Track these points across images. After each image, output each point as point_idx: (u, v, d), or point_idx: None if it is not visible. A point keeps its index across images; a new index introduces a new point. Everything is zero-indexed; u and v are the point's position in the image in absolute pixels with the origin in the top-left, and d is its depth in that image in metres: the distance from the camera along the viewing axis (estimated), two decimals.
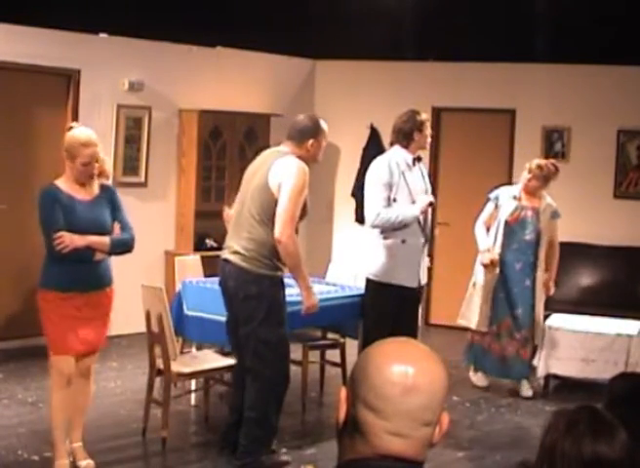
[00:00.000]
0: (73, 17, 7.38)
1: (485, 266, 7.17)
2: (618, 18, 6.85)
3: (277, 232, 5.11)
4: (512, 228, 7.14)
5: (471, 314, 7.28)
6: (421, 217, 5.99)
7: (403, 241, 5.94)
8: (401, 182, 5.94)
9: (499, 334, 7.21)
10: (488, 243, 7.20)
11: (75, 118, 8.23)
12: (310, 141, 5.31)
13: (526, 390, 7.25)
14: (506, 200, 7.18)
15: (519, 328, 7.16)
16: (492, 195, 7.32)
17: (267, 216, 5.18)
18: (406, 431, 1.69)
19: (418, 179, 6.08)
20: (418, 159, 6.13)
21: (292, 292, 5.57)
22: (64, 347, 5.03)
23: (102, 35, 8.26)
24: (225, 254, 5.36)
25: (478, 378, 7.48)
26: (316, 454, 5.75)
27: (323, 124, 5.39)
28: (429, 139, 6.14)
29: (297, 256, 5.20)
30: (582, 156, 8.97)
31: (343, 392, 1.77)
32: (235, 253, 5.28)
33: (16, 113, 7.93)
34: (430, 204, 5.98)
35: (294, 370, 6.98)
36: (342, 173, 10.17)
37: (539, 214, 7.14)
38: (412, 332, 6.00)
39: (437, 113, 9.58)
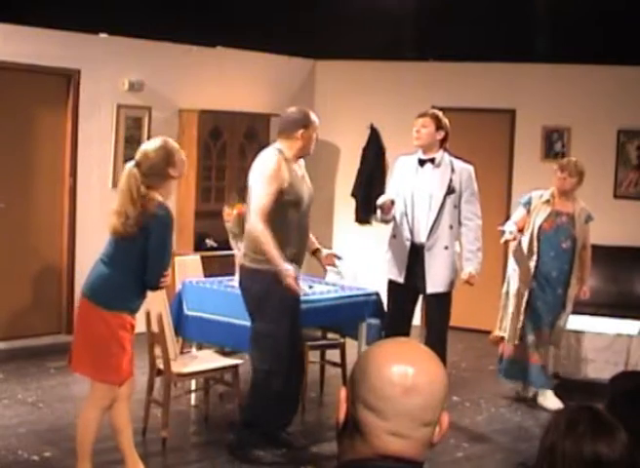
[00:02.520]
0: (73, 17, 7.37)
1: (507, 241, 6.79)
2: (617, 17, 6.84)
3: (248, 220, 5.42)
4: (547, 235, 6.77)
5: (506, 325, 6.91)
6: (409, 217, 6.12)
7: (394, 236, 6.25)
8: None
9: (537, 345, 6.82)
10: (514, 228, 6.72)
11: (75, 118, 8.24)
12: (300, 132, 5.40)
13: (550, 400, 6.87)
14: (539, 205, 6.80)
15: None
16: (523, 200, 6.95)
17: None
18: (406, 431, 1.69)
19: (421, 181, 6.20)
20: (431, 161, 6.22)
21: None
22: (126, 375, 4.87)
23: (102, 35, 8.26)
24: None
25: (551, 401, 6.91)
26: (316, 454, 5.75)
27: (313, 115, 5.48)
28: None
29: (262, 242, 5.27)
30: (582, 156, 8.91)
31: (343, 392, 1.77)
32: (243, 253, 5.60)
33: (16, 113, 7.93)
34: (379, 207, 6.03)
35: None
36: (342, 173, 10.17)
37: (574, 219, 6.81)
38: (431, 333, 6.27)
39: None
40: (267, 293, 5.38)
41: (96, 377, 4.86)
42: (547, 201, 6.80)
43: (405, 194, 6.14)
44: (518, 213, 6.95)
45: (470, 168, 6.31)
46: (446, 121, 6.23)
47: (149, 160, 4.76)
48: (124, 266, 4.74)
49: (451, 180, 6.17)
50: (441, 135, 6.17)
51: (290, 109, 5.59)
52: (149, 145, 4.88)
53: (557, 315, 6.88)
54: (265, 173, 5.32)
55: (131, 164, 4.81)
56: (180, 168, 4.84)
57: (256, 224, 5.27)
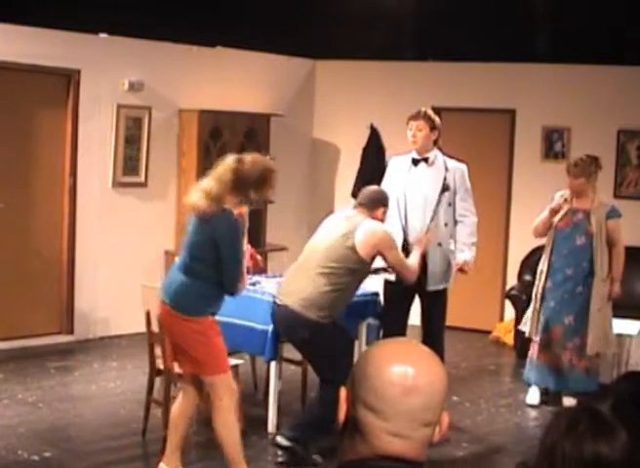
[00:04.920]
0: (73, 17, 7.37)
1: (555, 211, 6.69)
2: (618, 17, 6.85)
3: (405, 278, 5.70)
4: (563, 233, 6.72)
5: (526, 321, 6.92)
6: (402, 216, 6.14)
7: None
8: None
9: (548, 344, 6.75)
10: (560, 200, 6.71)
11: (75, 118, 8.24)
12: (381, 209, 5.64)
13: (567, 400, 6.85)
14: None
15: (571, 336, 6.70)
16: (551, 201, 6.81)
17: (336, 271, 5.44)
18: (406, 432, 1.69)
19: (415, 180, 6.24)
20: (425, 160, 6.27)
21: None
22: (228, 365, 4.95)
23: (102, 35, 8.26)
24: (281, 298, 5.56)
25: (529, 396, 7.00)
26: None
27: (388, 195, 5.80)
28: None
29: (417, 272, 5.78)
30: None
31: (344, 392, 1.77)
32: (294, 299, 5.46)
33: (16, 113, 7.93)
34: None
35: (293, 369, 7.00)
36: (342, 173, 10.17)
37: (589, 215, 6.68)
38: (428, 332, 6.30)
39: (437, 113, 9.56)
40: (327, 337, 5.50)
41: (206, 373, 4.86)
42: (566, 200, 6.71)
43: (398, 194, 6.16)
44: (543, 214, 6.83)
45: (463, 166, 6.35)
46: (438, 119, 6.29)
47: (245, 167, 4.71)
48: (200, 274, 4.76)
49: (445, 179, 6.21)
50: (435, 134, 6.24)
51: (371, 188, 5.80)
52: (257, 157, 4.87)
53: (583, 315, 6.69)
54: (389, 240, 5.56)
55: (234, 158, 4.76)
56: (260, 197, 4.82)
57: (412, 272, 5.69)
